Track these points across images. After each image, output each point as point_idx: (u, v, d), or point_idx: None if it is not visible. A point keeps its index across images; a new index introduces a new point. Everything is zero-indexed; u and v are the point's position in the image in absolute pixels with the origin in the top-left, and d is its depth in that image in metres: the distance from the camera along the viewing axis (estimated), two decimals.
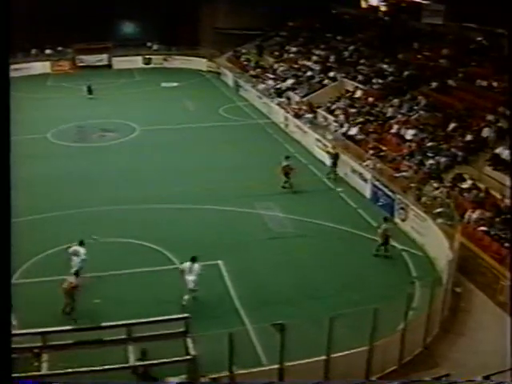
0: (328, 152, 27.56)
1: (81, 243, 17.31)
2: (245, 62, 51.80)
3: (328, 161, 27.20)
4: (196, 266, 16.08)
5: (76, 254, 17.05)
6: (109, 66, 58.63)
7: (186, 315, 12.63)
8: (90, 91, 44.86)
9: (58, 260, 18.16)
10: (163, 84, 50.30)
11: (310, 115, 34.13)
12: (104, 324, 12.35)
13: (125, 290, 17.02)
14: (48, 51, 59.78)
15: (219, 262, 18.64)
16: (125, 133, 34.63)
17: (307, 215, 22.32)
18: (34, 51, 59.30)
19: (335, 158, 26.82)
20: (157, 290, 17.00)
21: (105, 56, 58.97)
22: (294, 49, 49.66)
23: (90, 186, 25.72)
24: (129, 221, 21.96)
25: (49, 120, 37.69)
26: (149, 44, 61.55)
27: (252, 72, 48.01)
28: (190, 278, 16.02)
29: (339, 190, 25.42)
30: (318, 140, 30.15)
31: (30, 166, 28.29)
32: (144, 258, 18.89)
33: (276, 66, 47.18)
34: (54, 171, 27.81)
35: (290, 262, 19.04)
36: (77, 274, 16.06)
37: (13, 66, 54.75)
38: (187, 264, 16.17)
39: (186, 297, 16.07)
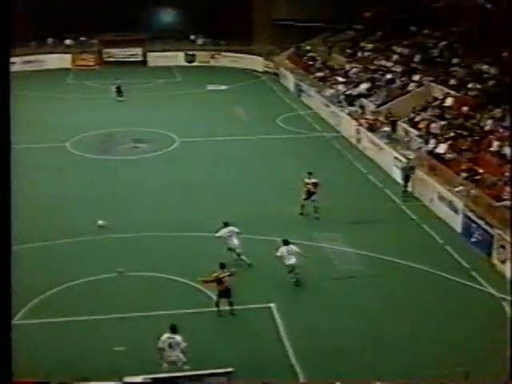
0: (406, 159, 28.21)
1: None
2: (309, 62, 52.57)
3: (399, 174, 27.89)
4: (292, 247, 19.92)
5: None
6: (143, 62, 60.58)
7: (229, 370, 13.13)
8: (119, 92, 46.54)
9: (72, 295, 19.16)
10: (209, 87, 51.57)
11: (387, 128, 34.39)
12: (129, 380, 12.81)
13: (153, 337, 17.56)
14: (68, 41, 61.90)
15: (271, 305, 19.05)
16: (161, 144, 35.82)
17: (379, 250, 22.50)
18: (50, 40, 61.48)
19: (409, 170, 27.57)
20: (192, 338, 17.49)
21: (138, 50, 60.92)
22: (369, 46, 50.13)
23: (115, 207, 26.69)
24: (160, 250, 22.73)
25: (68, 126, 39.40)
26: (192, 37, 63.15)
27: (318, 74, 48.71)
28: (292, 261, 19.76)
29: (414, 217, 25.55)
30: (396, 159, 30.36)
31: (44, 181, 29.82)
32: (177, 297, 19.49)
33: (348, 66, 47.74)
34: (72, 189, 29.00)
35: (357, 308, 19.25)
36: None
37: (23, 58, 57.46)
38: (283, 249, 19.76)
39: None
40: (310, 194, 25.62)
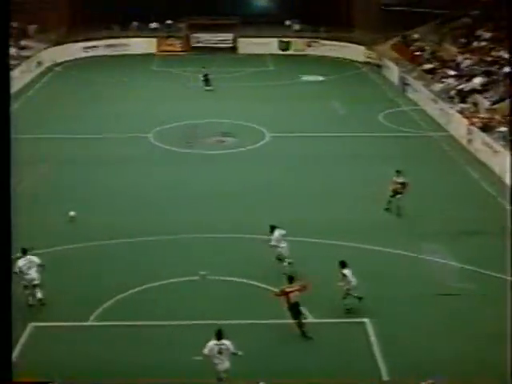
0: None
1: None
2: (417, 52, 51.96)
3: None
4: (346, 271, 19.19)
5: None
6: (233, 48, 61.26)
7: None
8: (206, 81, 47.39)
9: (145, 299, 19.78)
10: (304, 77, 51.77)
11: (504, 128, 33.60)
12: None
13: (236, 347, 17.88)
14: (154, 25, 63.34)
15: (365, 320, 19.08)
16: (250, 139, 36.29)
17: (488, 266, 22.05)
18: (135, 24, 63.09)
19: None
20: (277, 349, 17.72)
21: (229, 36, 61.69)
22: (487, 34, 49.07)
23: (199, 204, 27.30)
24: (247, 254, 23.05)
25: (152, 116, 40.47)
26: (288, 23, 63.37)
27: (426, 66, 48.09)
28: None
29: None
30: None
31: (124, 173, 30.74)
32: (261, 305, 19.71)
33: (460, 58, 46.90)
34: (154, 182, 29.85)
35: (464, 329, 18.98)
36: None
37: (107, 42, 59.41)
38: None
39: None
40: (396, 193, 25.93)
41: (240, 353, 15.52)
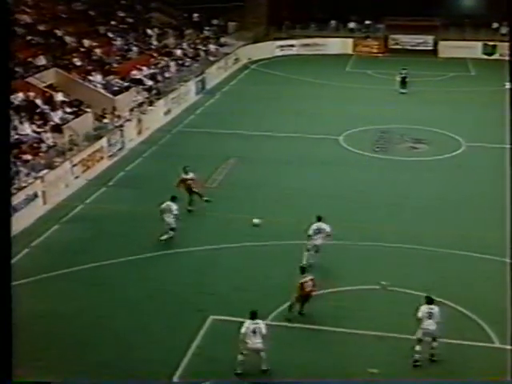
0: None
1: None
2: None
3: None
4: (436, 309, 17.26)
5: None
6: (434, 51, 60.23)
7: None
8: (403, 84, 47.08)
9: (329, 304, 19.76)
10: (508, 84, 49.79)
11: None
12: None
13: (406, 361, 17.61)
14: (352, 25, 63.64)
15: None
16: (443, 148, 35.50)
17: None
18: (333, 23, 63.70)
19: None
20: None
21: (429, 38, 60.89)
22: None
23: (386, 211, 27.10)
24: (426, 266, 22.67)
25: (343, 118, 40.78)
26: (495, 25, 61.21)
27: None
28: (431, 325, 17.06)
29: None
30: None
31: (310, 174, 31.16)
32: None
33: None
34: (341, 187, 29.86)
35: None
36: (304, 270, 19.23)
37: (303, 41, 60.30)
38: (425, 307, 17.28)
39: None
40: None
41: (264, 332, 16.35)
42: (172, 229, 23.67)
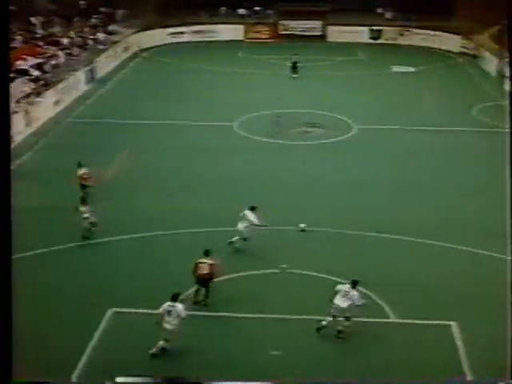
0: None
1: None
2: None
3: None
4: (354, 292, 17.65)
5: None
6: (322, 36, 61.12)
7: None
8: (294, 69, 47.58)
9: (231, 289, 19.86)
10: (395, 68, 51.21)
11: None
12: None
13: (310, 341, 17.91)
14: (242, 11, 63.76)
15: (452, 323, 18.75)
16: (337, 131, 36.13)
17: None
18: (223, 10, 63.66)
19: None
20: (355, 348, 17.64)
21: (318, 23, 61.78)
22: None
23: (282, 196, 27.24)
24: (327, 249, 23.05)
25: (237, 104, 40.79)
26: (380, 10, 62.86)
27: None
28: (340, 305, 17.56)
29: None
30: None
31: (203, 163, 31.11)
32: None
33: None
34: (233, 175, 29.76)
35: None
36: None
37: (193, 28, 60.06)
38: (344, 287, 17.81)
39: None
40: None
41: (184, 314, 16.79)
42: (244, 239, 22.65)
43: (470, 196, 27.54)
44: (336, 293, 17.74)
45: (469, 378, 16.59)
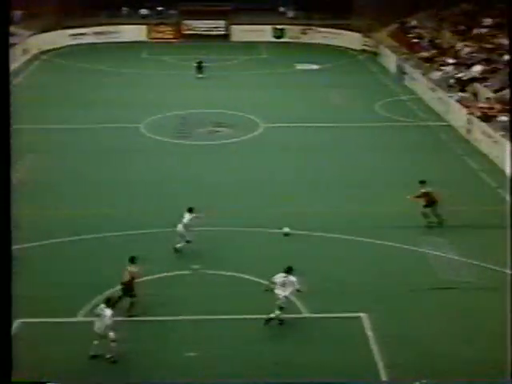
0: None
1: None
2: (414, 40, 51.97)
3: None
4: (292, 278, 18.14)
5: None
6: (226, 36, 61.20)
7: None
8: (199, 69, 47.51)
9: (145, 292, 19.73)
10: (299, 66, 51.81)
11: (504, 118, 33.67)
12: None
13: (227, 344, 17.92)
14: (144, 11, 63.26)
15: (361, 315, 19.12)
16: (243, 130, 36.27)
17: (489, 260, 22.14)
18: (125, 10, 62.99)
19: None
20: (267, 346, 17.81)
21: (221, 23, 61.67)
22: (488, 21, 49.06)
23: (192, 197, 27.04)
24: (239, 248, 23.22)
25: (143, 105, 40.43)
26: (282, 9, 63.44)
27: (424, 54, 48.14)
28: (282, 293, 18.05)
29: None
30: None
31: (111, 166, 30.83)
32: (256, 301, 19.71)
33: (460, 45, 46.95)
34: (141, 177, 29.50)
35: (465, 325, 19.04)
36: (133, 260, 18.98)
37: (95, 29, 59.27)
38: (280, 275, 18.19)
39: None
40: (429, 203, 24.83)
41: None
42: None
43: (376, 189, 28.10)
44: (273, 283, 18.09)
45: (379, 365, 17.01)
